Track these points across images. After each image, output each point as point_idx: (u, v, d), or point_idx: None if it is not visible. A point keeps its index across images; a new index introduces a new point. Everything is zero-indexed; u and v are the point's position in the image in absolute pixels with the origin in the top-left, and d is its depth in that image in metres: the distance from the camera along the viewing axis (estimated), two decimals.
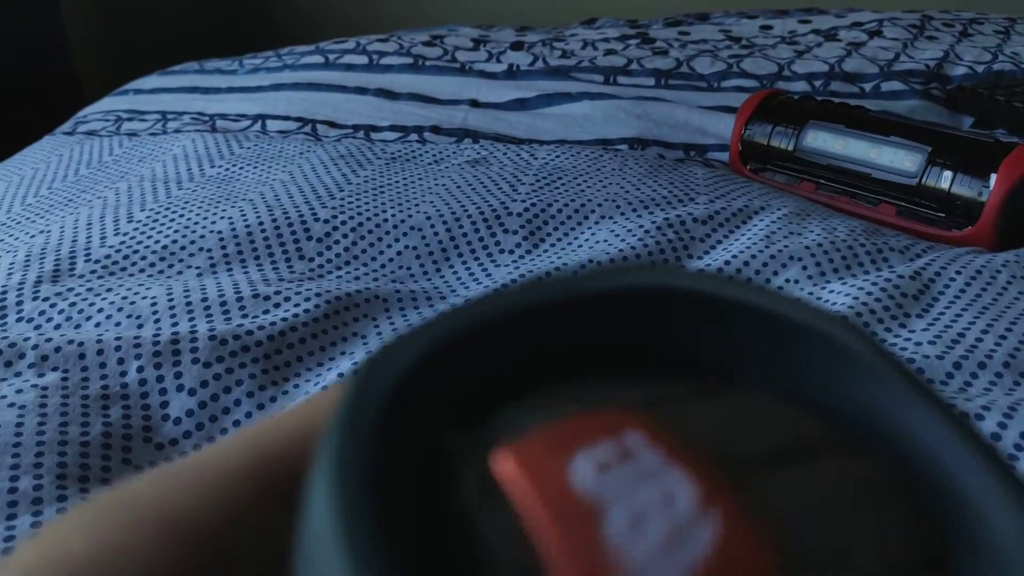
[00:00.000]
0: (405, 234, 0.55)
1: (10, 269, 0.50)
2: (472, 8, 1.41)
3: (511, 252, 0.54)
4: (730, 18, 1.09)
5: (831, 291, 0.46)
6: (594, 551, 0.07)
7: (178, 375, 0.43)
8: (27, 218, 0.58)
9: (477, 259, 0.54)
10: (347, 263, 0.53)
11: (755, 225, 0.53)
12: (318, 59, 0.90)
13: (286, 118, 0.75)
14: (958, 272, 0.47)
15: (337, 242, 0.54)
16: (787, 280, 0.48)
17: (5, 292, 0.48)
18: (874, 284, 0.45)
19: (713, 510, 0.08)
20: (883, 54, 0.90)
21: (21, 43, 1.08)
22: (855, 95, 0.80)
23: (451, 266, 0.53)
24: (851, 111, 0.62)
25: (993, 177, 0.53)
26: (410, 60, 0.88)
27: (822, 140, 0.61)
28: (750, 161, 0.65)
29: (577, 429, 0.08)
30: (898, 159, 0.57)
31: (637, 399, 0.09)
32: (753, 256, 0.50)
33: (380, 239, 0.54)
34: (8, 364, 0.43)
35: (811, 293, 0.46)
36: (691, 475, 0.08)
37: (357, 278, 0.51)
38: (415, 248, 0.54)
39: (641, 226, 0.54)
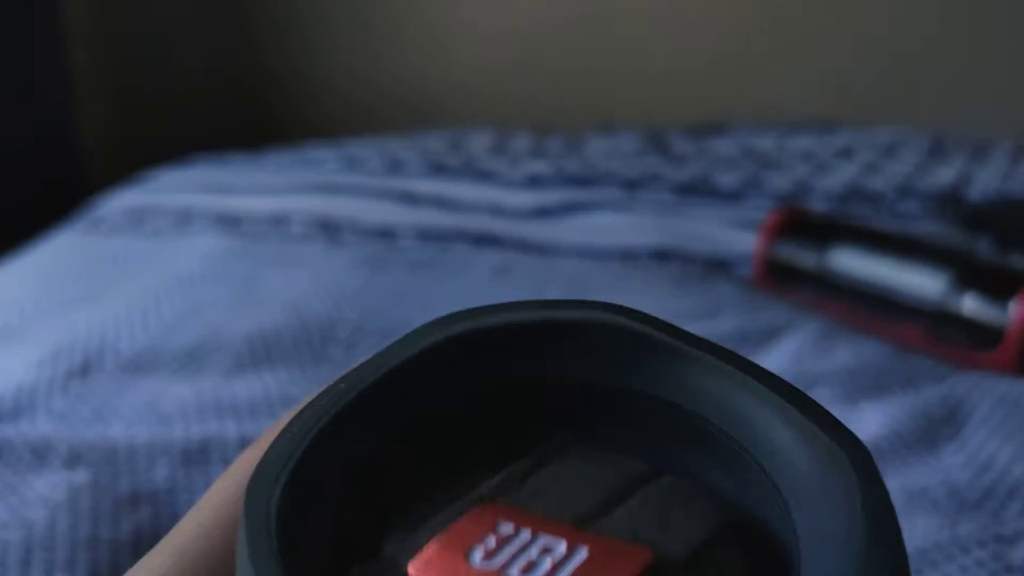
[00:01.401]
0: None
1: (40, 363, 0.53)
2: (486, 104, 1.48)
3: None
4: (745, 130, 1.16)
5: (861, 414, 0.49)
6: None
7: (206, 476, 0.45)
8: (53, 313, 0.61)
9: None
10: None
11: (782, 344, 0.57)
12: (337, 160, 0.95)
13: (307, 220, 0.79)
14: (983, 398, 0.50)
15: (362, 346, 0.57)
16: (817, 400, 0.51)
17: (36, 385, 0.51)
18: (902, 410, 0.48)
19: (580, 544, 0.11)
20: (898, 174, 0.96)
21: (28, 127, 1.14)
22: (872, 214, 0.85)
23: None
24: (874, 232, 0.67)
25: (1014, 302, 0.57)
26: (430, 165, 0.93)
27: (846, 260, 0.65)
28: (773, 278, 0.69)
29: (461, 532, 0.11)
30: (921, 282, 0.61)
31: (492, 490, 0.12)
32: (781, 375, 0.53)
33: None
34: (41, 458, 0.45)
35: (841, 415, 0.49)
36: (555, 533, 0.11)
37: None
38: None
39: None
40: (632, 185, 0.90)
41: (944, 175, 0.96)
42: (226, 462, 0.46)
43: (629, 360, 0.13)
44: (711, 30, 1.36)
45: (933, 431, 0.47)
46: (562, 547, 0.11)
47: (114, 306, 0.61)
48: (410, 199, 0.85)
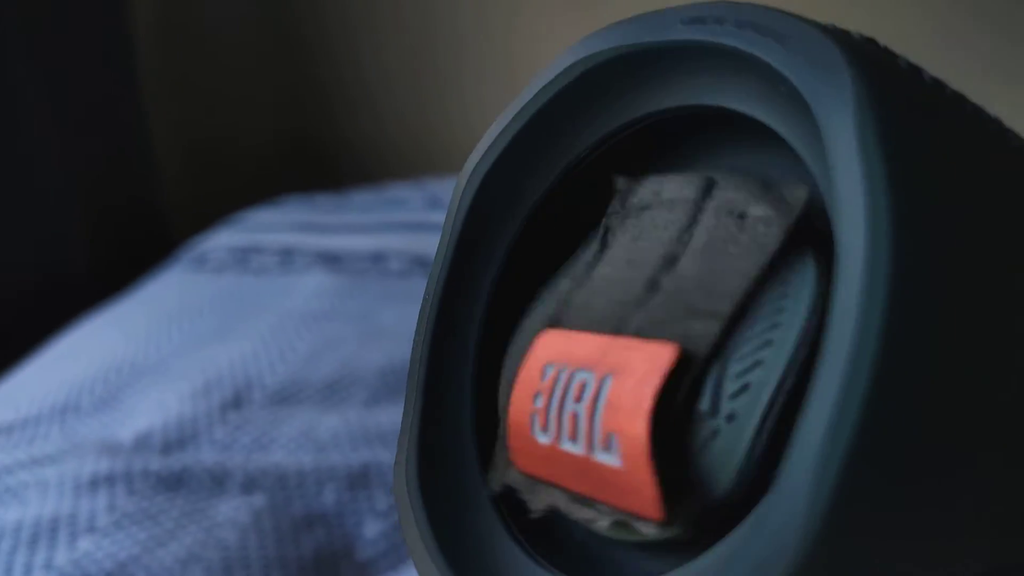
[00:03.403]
0: None
1: (193, 396, 0.58)
2: None
3: None
4: None
5: None
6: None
7: (370, 500, 0.50)
8: (189, 349, 0.66)
9: None
10: None
11: None
12: (421, 200, 1.01)
13: (403, 257, 0.84)
14: None
15: None
16: None
17: (195, 417, 0.56)
18: None
19: (606, 372, 0.12)
20: None
21: (111, 163, 1.20)
22: None
23: None
24: None
25: None
26: None
27: None
28: None
29: (520, 395, 0.13)
30: None
31: (564, 296, 0.14)
32: None
33: None
34: (220, 484, 0.50)
35: None
36: (588, 362, 0.12)
37: None
38: None
39: None
40: None
41: None
42: (386, 485, 0.51)
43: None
44: None
45: None
46: (592, 380, 0.12)
47: (249, 342, 0.66)
48: None
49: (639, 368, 0.11)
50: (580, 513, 0.12)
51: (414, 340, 0.15)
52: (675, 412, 0.11)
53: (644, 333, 0.12)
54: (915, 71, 0.11)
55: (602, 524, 0.12)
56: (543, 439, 0.12)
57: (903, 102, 0.10)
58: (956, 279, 0.10)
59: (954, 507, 0.10)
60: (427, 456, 0.14)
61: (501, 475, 0.14)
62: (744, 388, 0.11)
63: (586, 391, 0.12)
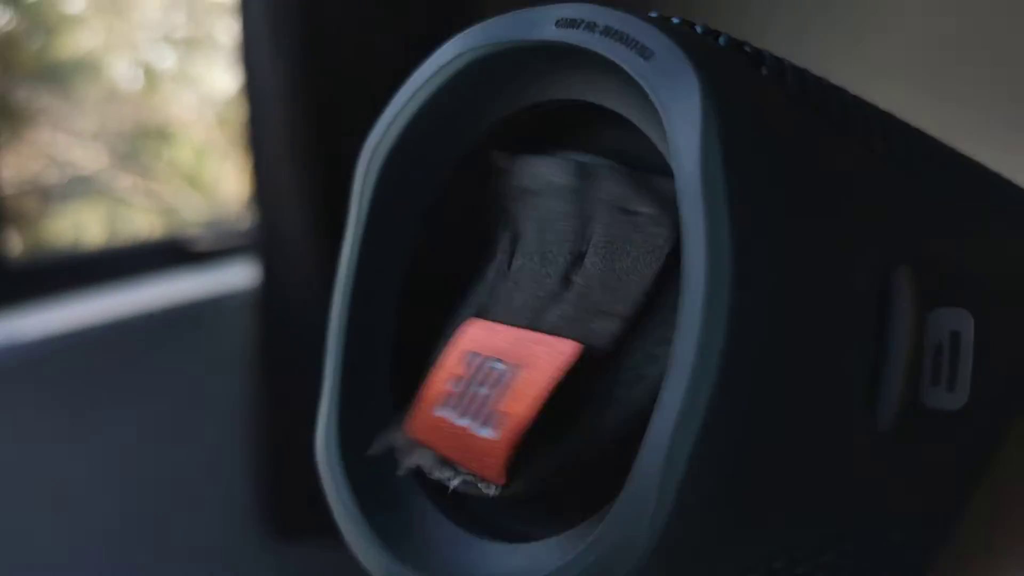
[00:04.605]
0: None
1: None
2: None
3: None
4: None
5: None
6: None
7: None
8: None
9: None
10: None
11: None
12: None
13: None
14: None
15: None
16: None
17: None
18: None
19: (516, 363, 0.13)
20: None
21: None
22: None
23: None
24: None
25: None
26: None
27: None
28: None
29: (440, 377, 0.14)
30: None
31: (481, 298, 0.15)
32: None
33: None
34: None
35: None
36: (504, 352, 0.13)
37: None
38: None
39: None
40: None
41: None
42: None
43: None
44: None
45: None
46: (501, 367, 0.13)
47: None
48: None
49: (542, 361, 0.13)
50: (439, 473, 0.14)
51: (331, 313, 0.16)
52: (568, 398, 0.13)
53: (556, 329, 0.13)
54: (779, 76, 0.13)
55: (454, 482, 0.14)
56: (441, 412, 0.14)
57: (751, 122, 0.12)
58: (792, 320, 0.12)
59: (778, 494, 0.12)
60: (347, 427, 0.16)
61: (389, 438, 0.15)
62: (638, 379, 0.13)
63: (497, 378, 0.13)
